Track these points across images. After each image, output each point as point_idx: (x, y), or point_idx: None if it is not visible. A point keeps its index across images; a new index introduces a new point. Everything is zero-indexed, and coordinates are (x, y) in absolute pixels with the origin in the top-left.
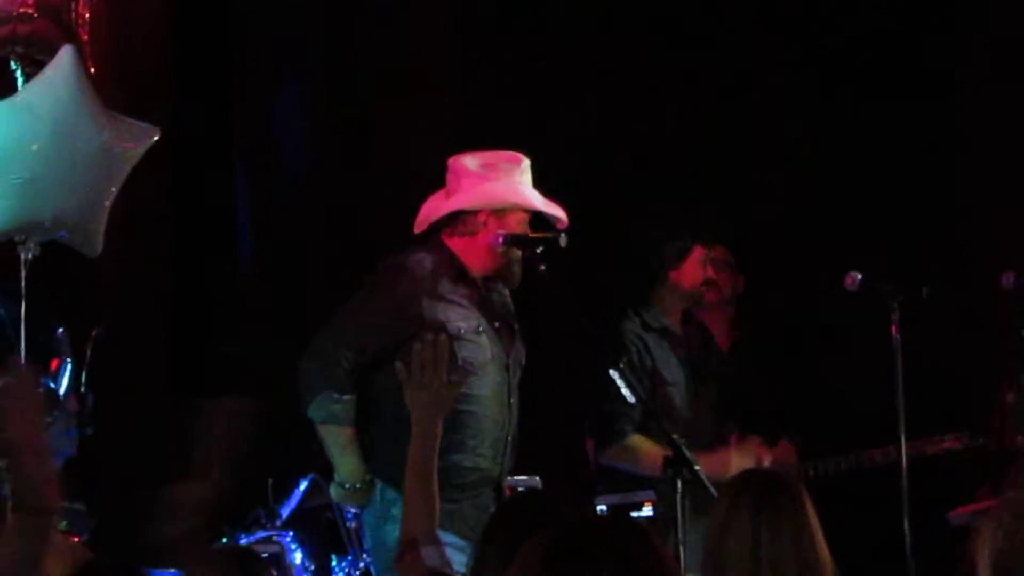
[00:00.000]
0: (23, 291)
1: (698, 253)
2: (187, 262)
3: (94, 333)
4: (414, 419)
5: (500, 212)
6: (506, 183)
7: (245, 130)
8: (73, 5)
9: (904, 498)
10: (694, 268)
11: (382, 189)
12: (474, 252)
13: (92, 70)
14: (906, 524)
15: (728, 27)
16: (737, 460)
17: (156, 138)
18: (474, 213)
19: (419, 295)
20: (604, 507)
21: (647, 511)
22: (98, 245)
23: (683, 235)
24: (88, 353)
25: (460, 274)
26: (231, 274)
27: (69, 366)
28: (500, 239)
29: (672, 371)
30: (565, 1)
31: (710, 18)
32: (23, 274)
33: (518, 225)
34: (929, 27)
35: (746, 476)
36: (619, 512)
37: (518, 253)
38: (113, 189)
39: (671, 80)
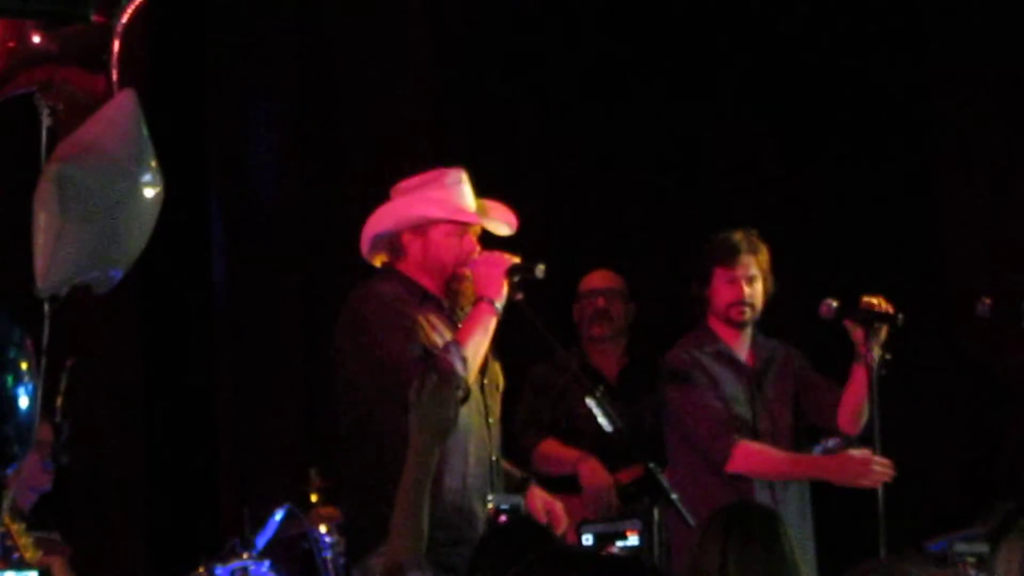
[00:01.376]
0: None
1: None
2: (159, 288)
3: (69, 363)
4: (415, 443)
5: (419, 229)
6: (419, 198)
7: (218, 153)
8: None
9: (881, 527)
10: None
11: (356, 211)
12: (424, 272)
13: None
14: (882, 551)
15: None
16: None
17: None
18: (397, 235)
19: (404, 300)
20: (590, 536)
21: (633, 540)
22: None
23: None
24: (63, 383)
25: (423, 296)
26: (204, 299)
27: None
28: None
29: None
30: (538, 13)
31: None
32: (47, 312)
33: (447, 238)
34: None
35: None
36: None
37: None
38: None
39: (649, 99)
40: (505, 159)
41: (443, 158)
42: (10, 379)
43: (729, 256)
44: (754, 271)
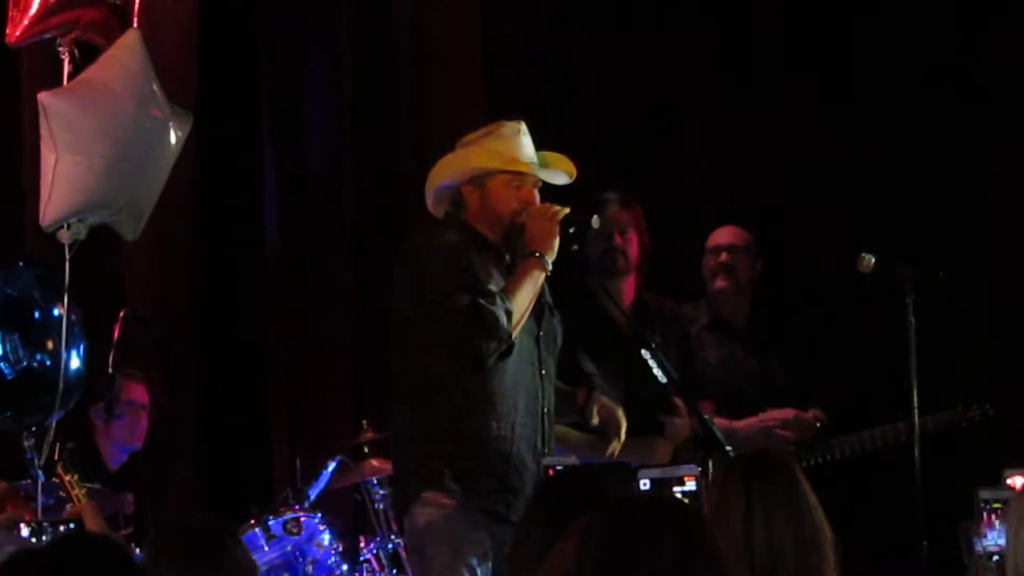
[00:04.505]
0: (67, 273)
1: None
2: (212, 240)
3: (123, 313)
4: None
5: (477, 180)
6: (477, 150)
7: (272, 106)
8: None
9: (918, 478)
10: None
11: (408, 164)
12: (483, 223)
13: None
14: (920, 501)
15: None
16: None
17: (191, 125)
18: (458, 187)
19: (463, 246)
20: (647, 481)
21: (690, 485)
22: (140, 229)
23: None
24: (116, 333)
25: (482, 244)
26: (256, 251)
27: (82, 347)
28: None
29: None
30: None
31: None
32: (67, 256)
33: (504, 188)
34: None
35: (737, 457)
36: (673, 496)
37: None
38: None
39: (681, 59)
40: (558, 111)
41: (497, 110)
42: (55, 339)
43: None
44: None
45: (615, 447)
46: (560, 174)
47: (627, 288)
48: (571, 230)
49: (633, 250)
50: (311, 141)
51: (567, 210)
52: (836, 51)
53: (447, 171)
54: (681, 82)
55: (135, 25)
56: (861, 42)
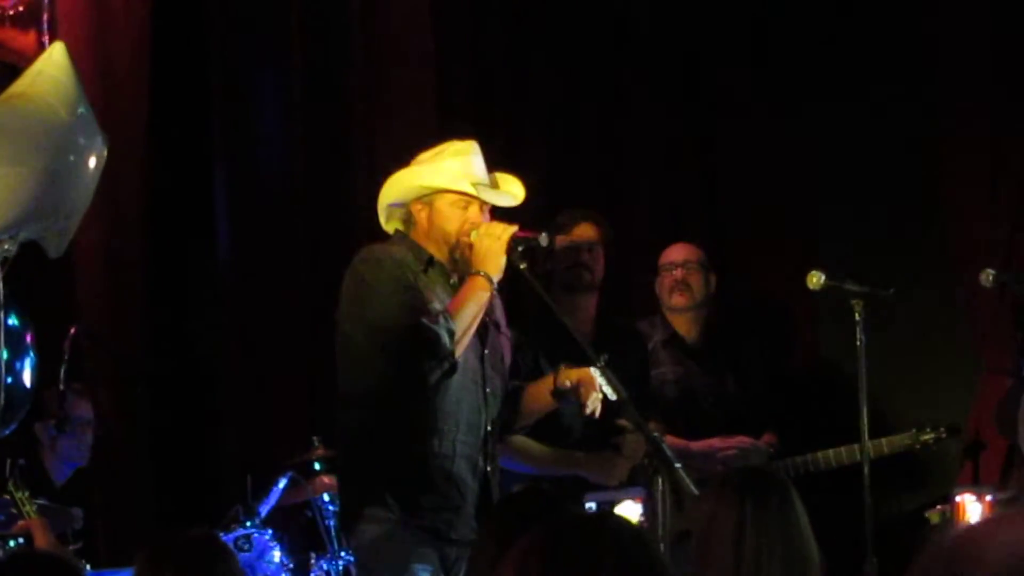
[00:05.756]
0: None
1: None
2: (164, 256)
3: (72, 331)
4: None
5: (425, 198)
6: (428, 169)
7: (222, 119)
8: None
9: (867, 498)
10: None
11: (360, 178)
12: (430, 241)
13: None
14: (869, 523)
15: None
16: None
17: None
18: (407, 206)
19: (408, 265)
20: (593, 504)
21: (637, 508)
22: (65, 245)
23: None
24: (66, 351)
25: (428, 262)
26: (208, 266)
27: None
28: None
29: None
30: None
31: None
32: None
33: (451, 208)
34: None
35: (733, 471)
36: (614, 512)
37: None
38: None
39: (643, 84)
40: (510, 128)
41: (447, 126)
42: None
43: (569, 226)
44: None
45: (596, 401)
46: (505, 196)
47: (590, 304)
48: (520, 248)
49: (599, 267)
50: (263, 156)
51: (515, 228)
52: (787, 68)
53: (396, 189)
54: (633, 99)
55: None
56: (814, 59)
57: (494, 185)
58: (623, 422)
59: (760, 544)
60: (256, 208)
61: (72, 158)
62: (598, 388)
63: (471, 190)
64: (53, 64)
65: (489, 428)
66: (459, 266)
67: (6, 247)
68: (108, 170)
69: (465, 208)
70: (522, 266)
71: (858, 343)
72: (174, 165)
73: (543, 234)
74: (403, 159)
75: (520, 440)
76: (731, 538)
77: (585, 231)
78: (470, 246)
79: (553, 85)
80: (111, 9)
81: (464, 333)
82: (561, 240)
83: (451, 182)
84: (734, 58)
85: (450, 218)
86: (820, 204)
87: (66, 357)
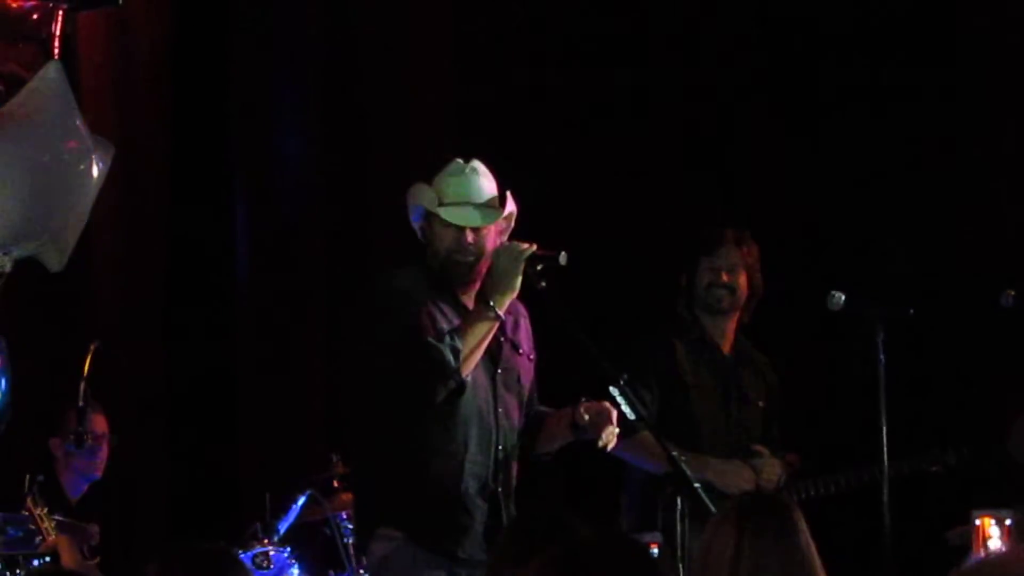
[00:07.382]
0: None
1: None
2: (183, 273)
3: (92, 347)
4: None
5: (426, 217)
6: (428, 187)
7: (242, 139)
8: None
9: (886, 518)
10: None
11: (379, 197)
12: (433, 258)
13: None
14: (888, 543)
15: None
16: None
17: (113, 154)
18: (418, 222)
19: (418, 286)
20: None
21: (652, 552)
22: (65, 260)
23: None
24: (87, 367)
25: (436, 281)
26: (228, 284)
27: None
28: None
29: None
30: (561, 13)
31: (704, 33)
32: None
33: (441, 227)
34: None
35: (739, 495)
36: (625, 535)
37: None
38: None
39: (660, 95)
40: (528, 143)
41: (466, 144)
42: None
43: (712, 246)
44: (735, 261)
45: (610, 435)
46: (461, 216)
47: (729, 326)
48: (539, 267)
49: (740, 289)
50: (282, 174)
51: (533, 247)
52: (803, 86)
53: (408, 202)
54: (651, 114)
55: (56, 57)
56: (827, 75)
57: (491, 205)
58: (759, 448)
59: (756, 571)
60: (275, 225)
61: (59, 178)
62: (614, 422)
63: (440, 210)
64: (45, 82)
65: (501, 447)
66: (455, 283)
67: (0, 264)
68: (127, 186)
69: (460, 228)
70: (541, 284)
71: (879, 364)
72: (193, 183)
73: (563, 253)
74: (421, 177)
75: (648, 436)
76: (728, 564)
77: (728, 251)
78: (469, 265)
79: (571, 98)
80: (131, 28)
81: (471, 353)
82: (704, 260)
83: (430, 202)
84: (753, 61)
85: (440, 236)
86: (838, 224)
87: (86, 374)
